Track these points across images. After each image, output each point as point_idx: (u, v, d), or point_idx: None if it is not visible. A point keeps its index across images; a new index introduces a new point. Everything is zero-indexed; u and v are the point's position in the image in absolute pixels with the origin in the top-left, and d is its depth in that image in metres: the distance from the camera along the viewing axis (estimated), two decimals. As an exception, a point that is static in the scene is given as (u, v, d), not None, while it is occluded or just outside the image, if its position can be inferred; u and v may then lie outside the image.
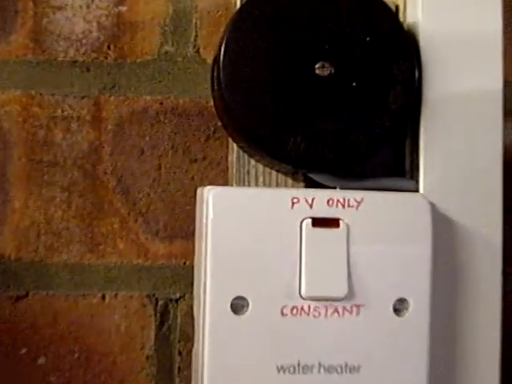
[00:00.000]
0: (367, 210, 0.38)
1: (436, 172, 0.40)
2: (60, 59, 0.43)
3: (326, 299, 0.37)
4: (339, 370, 0.37)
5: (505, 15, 0.40)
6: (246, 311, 0.36)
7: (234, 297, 0.36)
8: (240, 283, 0.36)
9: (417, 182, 0.40)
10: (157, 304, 0.44)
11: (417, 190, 0.40)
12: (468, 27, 0.41)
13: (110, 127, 0.43)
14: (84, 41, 0.43)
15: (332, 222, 0.37)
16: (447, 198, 0.40)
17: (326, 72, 0.38)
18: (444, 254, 0.39)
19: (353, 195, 0.38)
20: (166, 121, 0.44)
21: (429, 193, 0.40)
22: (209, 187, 0.37)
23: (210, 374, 0.36)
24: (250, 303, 0.36)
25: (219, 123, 0.43)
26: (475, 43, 0.41)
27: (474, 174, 0.40)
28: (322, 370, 0.37)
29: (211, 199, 0.37)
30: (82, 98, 0.43)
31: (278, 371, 0.36)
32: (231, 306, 0.36)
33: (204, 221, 0.37)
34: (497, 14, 0.41)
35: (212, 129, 0.44)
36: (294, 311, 0.37)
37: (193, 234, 0.42)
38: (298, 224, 0.37)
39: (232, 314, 0.36)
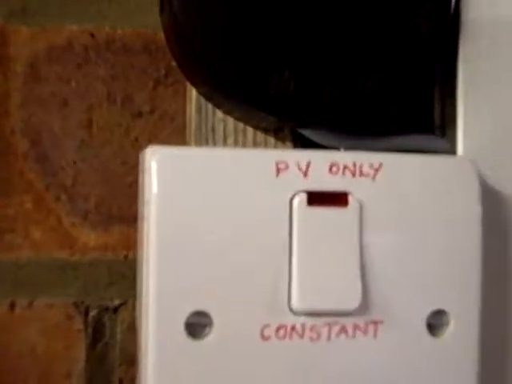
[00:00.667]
0: (388, 180, 0.33)
1: (480, 129, 0.36)
2: None
3: (329, 314, 0.32)
4: None
5: None
6: (208, 333, 0.31)
7: (190, 312, 0.31)
8: (199, 292, 0.31)
9: (451, 141, 0.37)
10: (87, 314, 0.39)
11: (451, 152, 0.36)
12: None
13: (19, 69, 0.39)
14: None
15: (337, 199, 0.32)
16: (497, 165, 0.35)
17: None
18: (496, 244, 0.34)
19: (367, 159, 0.32)
20: (99, 59, 0.39)
21: (472, 156, 0.35)
22: (152, 148, 0.32)
23: None
24: (214, 322, 0.31)
25: (173, 62, 0.39)
26: None
27: None
28: None
29: (155, 165, 0.31)
30: None
31: None
32: (186, 325, 0.31)
33: (146, 197, 0.31)
34: None
35: (163, 71, 0.39)
36: (281, 333, 0.31)
37: (135, 216, 0.37)
38: (287, 201, 0.32)
39: (187, 337, 0.31)
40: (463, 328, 0.32)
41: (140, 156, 0.34)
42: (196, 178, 0.31)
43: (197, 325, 0.31)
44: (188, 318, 0.30)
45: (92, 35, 0.39)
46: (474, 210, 0.33)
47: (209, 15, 0.33)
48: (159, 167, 0.30)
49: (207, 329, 0.30)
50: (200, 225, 0.31)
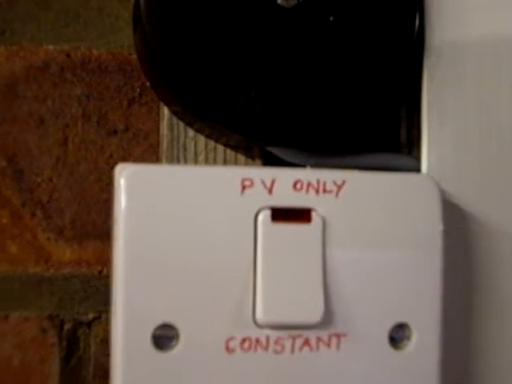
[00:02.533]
0: (351, 197, 0.33)
1: (443, 146, 0.37)
2: None
3: (293, 327, 0.32)
4: None
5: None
6: (174, 346, 0.31)
7: (157, 325, 0.31)
8: (166, 305, 0.31)
9: (416, 158, 0.38)
10: (62, 328, 0.40)
11: (417, 170, 0.37)
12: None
13: None
14: None
15: (301, 215, 0.32)
16: (459, 181, 0.36)
17: (292, 1, 0.34)
18: (457, 257, 0.35)
19: (331, 176, 0.33)
20: (75, 79, 0.40)
21: (435, 173, 0.36)
22: (122, 165, 0.32)
23: None
24: (180, 334, 0.31)
25: (147, 82, 0.39)
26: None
27: (493, 149, 0.36)
28: None
29: (124, 182, 0.31)
30: None
31: None
32: (153, 338, 0.31)
33: (116, 213, 0.31)
34: None
35: (137, 90, 0.40)
36: (246, 345, 0.31)
37: (109, 232, 0.37)
38: (252, 217, 0.32)
39: (154, 349, 0.31)
40: (424, 341, 0.33)
41: (114, 172, 0.34)
42: (164, 194, 0.31)
43: (164, 337, 0.31)
44: (155, 331, 0.30)
45: (68, 55, 0.39)
46: (435, 226, 0.33)
47: (179, 39, 0.33)
48: (127, 183, 0.31)
49: (174, 341, 0.31)
50: (167, 239, 0.31)
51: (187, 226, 0.31)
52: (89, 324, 0.39)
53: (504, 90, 0.36)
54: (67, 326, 0.39)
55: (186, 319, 0.31)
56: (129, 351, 0.30)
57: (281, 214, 0.32)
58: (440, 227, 0.33)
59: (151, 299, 0.31)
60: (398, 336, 0.33)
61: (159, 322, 0.31)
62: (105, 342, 0.39)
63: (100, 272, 0.39)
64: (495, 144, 0.36)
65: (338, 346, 0.32)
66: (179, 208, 0.31)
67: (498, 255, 0.36)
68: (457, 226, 0.35)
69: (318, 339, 0.32)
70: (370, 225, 0.33)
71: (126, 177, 0.31)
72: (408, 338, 0.33)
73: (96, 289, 0.39)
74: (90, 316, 0.39)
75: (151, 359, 0.30)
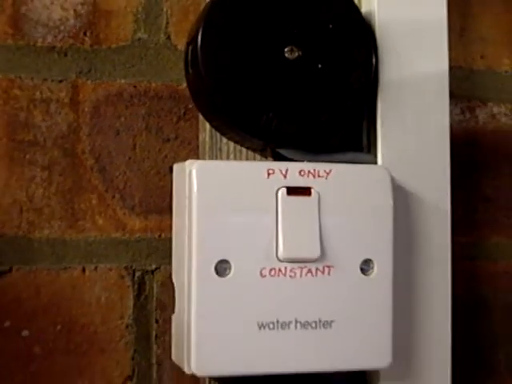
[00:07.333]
0: (335, 179, 0.40)
1: (392, 146, 0.44)
2: (39, 45, 0.44)
3: (301, 261, 0.40)
4: (314, 325, 0.39)
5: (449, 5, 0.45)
6: (228, 273, 0.39)
7: (217, 260, 0.38)
8: (223, 248, 0.38)
9: (374, 155, 0.44)
10: (134, 275, 0.45)
11: (374, 163, 0.43)
12: (417, 16, 0.45)
13: (87, 109, 0.45)
14: (61, 27, 0.45)
15: (304, 191, 0.40)
16: (402, 170, 0.43)
17: (294, 55, 0.41)
18: (401, 219, 0.43)
19: (322, 167, 0.40)
20: (140, 103, 0.46)
21: (387, 165, 0.43)
22: (190, 161, 0.39)
23: (197, 334, 0.38)
24: (232, 266, 0.39)
25: (189, 105, 0.46)
26: (424, 31, 0.45)
27: (425, 148, 0.44)
28: (298, 325, 0.39)
29: (195, 172, 0.39)
30: (60, 81, 0.44)
31: (259, 328, 0.39)
32: (215, 269, 0.38)
33: (187, 192, 0.39)
34: (442, 4, 0.46)
35: (182, 110, 0.46)
36: (272, 272, 0.39)
37: (166, 208, 0.45)
38: (274, 193, 0.39)
39: (216, 276, 0.38)
40: (382, 271, 0.40)
41: (175, 167, 0.42)
42: (219, 179, 0.38)
43: (222, 268, 0.38)
44: (216, 264, 0.38)
45: (135, 87, 0.46)
46: (388, 201, 0.41)
47: (222, 76, 0.40)
48: (197, 173, 0.38)
49: (228, 271, 0.38)
50: (222, 209, 0.38)
51: (234, 199, 0.38)
52: (152, 272, 0.46)
53: (431, 106, 0.44)
54: (137, 274, 0.45)
55: (235, 257, 0.38)
56: (200, 277, 0.38)
57: (292, 191, 0.39)
58: (390, 202, 0.41)
59: (213, 246, 0.38)
60: (365, 267, 0.40)
61: (219, 259, 0.38)
62: (164, 285, 0.45)
63: (159, 236, 0.46)
64: (426, 144, 0.44)
65: (328, 274, 0.39)
66: (229, 188, 0.38)
67: (429, 221, 0.44)
68: (400, 200, 0.42)
69: (317, 269, 0.39)
70: (346, 197, 0.40)
71: (196, 168, 0.38)
72: (372, 268, 0.40)
73: (157, 248, 0.46)
74: (153, 266, 0.46)
75: (214, 283, 0.38)
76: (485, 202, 0.52)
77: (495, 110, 0.52)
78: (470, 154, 0.51)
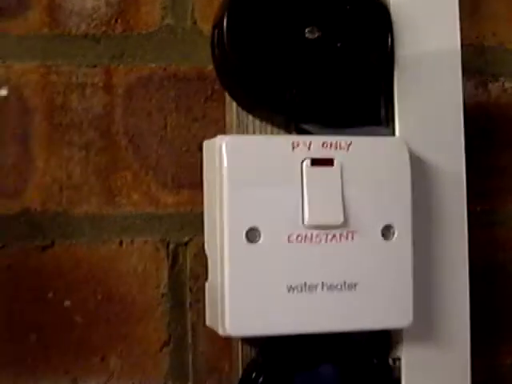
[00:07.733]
0: (356, 151, 0.42)
1: (408, 120, 0.45)
2: (73, 33, 0.46)
3: (326, 227, 0.41)
4: (339, 287, 0.41)
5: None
6: (258, 240, 0.40)
7: (248, 228, 0.40)
8: (253, 217, 0.40)
9: (392, 128, 0.45)
10: (168, 247, 0.47)
11: (392, 136, 0.45)
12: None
13: (120, 92, 0.46)
14: (94, 16, 0.46)
15: (327, 162, 0.41)
16: (418, 141, 0.45)
17: (314, 35, 0.43)
18: (418, 188, 0.44)
19: (343, 139, 0.42)
20: (170, 85, 0.47)
21: (403, 137, 0.45)
22: (220, 136, 0.41)
23: (230, 297, 0.40)
24: (261, 233, 0.40)
25: (216, 86, 0.47)
26: (437, 9, 0.47)
27: (440, 121, 0.46)
28: (325, 288, 0.41)
29: (224, 146, 0.41)
30: (94, 66, 0.46)
31: (288, 291, 0.41)
32: (246, 236, 0.40)
33: (217, 166, 0.41)
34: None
35: (210, 91, 0.47)
36: (299, 238, 0.41)
37: (197, 184, 0.46)
38: (299, 164, 0.41)
39: (247, 242, 0.40)
40: (402, 235, 0.42)
41: (205, 144, 0.43)
42: (248, 153, 0.40)
43: (252, 235, 0.40)
44: (247, 232, 0.40)
45: (164, 70, 0.47)
46: (405, 168, 0.42)
47: (249, 56, 0.41)
48: (227, 147, 0.40)
49: (258, 237, 0.40)
50: (251, 181, 0.40)
51: (262, 171, 0.40)
52: (186, 244, 0.47)
53: (444, 81, 0.45)
54: (172, 246, 0.47)
55: (264, 224, 0.40)
56: (232, 244, 0.40)
57: (316, 162, 0.41)
58: (408, 170, 0.42)
59: (244, 215, 0.40)
60: (386, 232, 0.42)
61: (249, 226, 0.40)
62: (196, 256, 0.47)
63: (191, 210, 0.47)
64: (440, 117, 0.45)
65: (352, 239, 0.41)
66: (257, 160, 0.40)
67: (445, 189, 0.45)
68: (417, 170, 0.43)
69: (340, 234, 0.41)
70: (366, 167, 0.42)
71: (226, 143, 0.40)
72: (392, 233, 0.42)
73: (189, 221, 0.47)
74: (186, 238, 0.47)
75: (246, 249, 0.40)
76: (499, 172, 0.53)
77: (507, 84, 0.54)
78: (483, 127, 0.53)
